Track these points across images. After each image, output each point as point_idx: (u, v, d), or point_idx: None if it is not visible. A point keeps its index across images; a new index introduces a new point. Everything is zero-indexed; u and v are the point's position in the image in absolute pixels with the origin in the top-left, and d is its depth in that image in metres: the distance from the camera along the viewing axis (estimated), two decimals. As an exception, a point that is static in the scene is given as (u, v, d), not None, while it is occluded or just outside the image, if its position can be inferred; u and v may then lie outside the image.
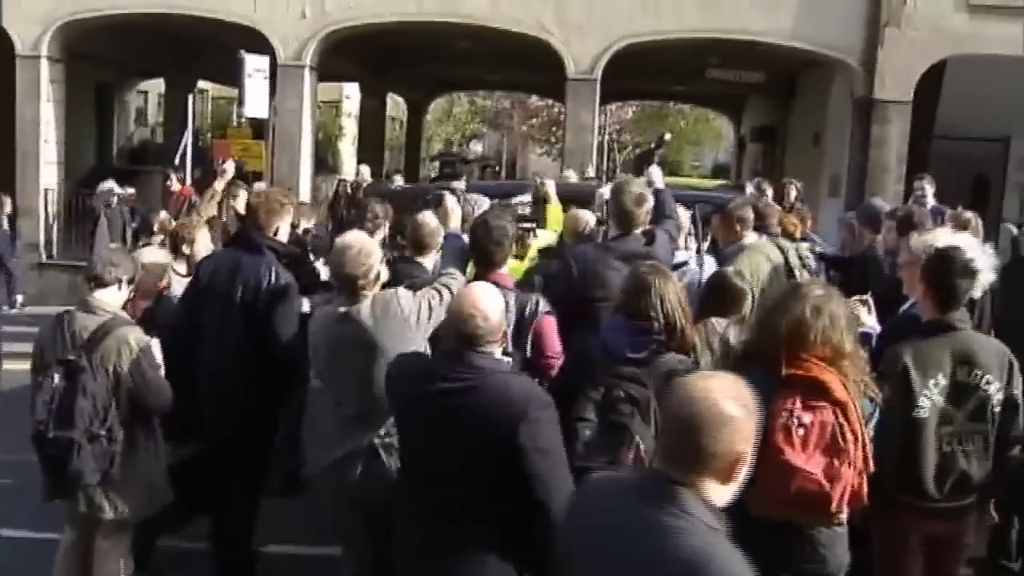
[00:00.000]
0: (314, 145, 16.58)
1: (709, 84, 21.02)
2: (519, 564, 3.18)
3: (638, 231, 5.04)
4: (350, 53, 18.05)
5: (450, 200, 4.59)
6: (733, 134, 32.40)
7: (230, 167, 7.43)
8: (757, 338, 3.58)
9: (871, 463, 3.43)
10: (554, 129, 35.91)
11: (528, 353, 4.31)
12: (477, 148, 49.37)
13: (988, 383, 3.89)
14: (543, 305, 4.43)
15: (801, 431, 3.33)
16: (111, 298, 4.54)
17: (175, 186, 11.87)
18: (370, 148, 24.77)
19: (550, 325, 4.41)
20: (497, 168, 39.40)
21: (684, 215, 6.14)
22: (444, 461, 3.23)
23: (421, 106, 30.17)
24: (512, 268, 5.04)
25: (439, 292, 4.15)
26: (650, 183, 5.64)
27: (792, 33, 14.78)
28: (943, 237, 4.50)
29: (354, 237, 4.24)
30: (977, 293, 4.10)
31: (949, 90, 15.79)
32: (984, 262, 4.03)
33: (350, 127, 31.46)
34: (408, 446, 3.49)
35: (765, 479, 3.36)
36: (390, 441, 3.93)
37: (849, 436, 3.35)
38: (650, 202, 5.09)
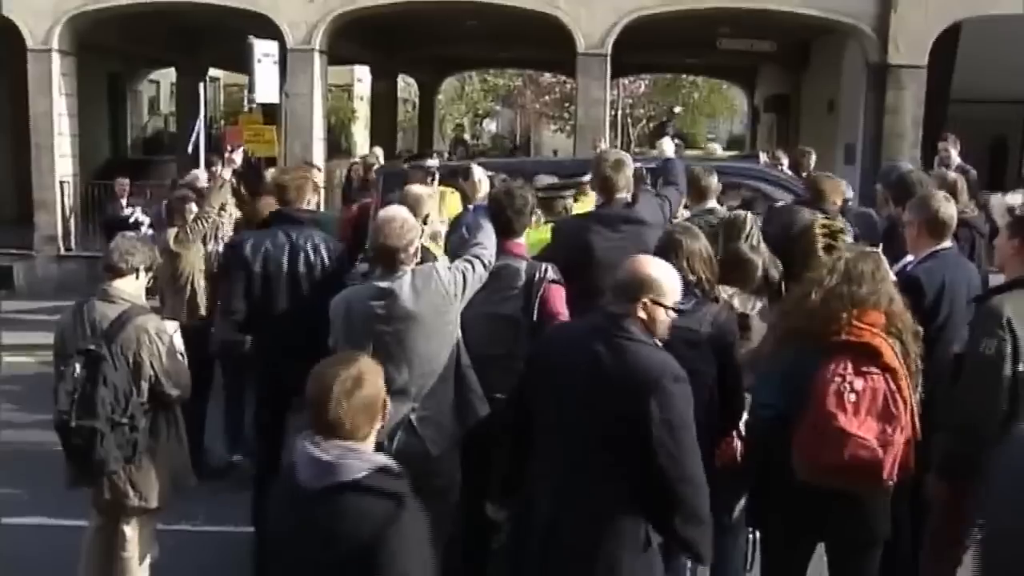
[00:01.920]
0: (326, 129, 16.57)
1: (721, 55, 20.88)
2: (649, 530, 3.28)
3: (620, 195, 5.21)
4: (359, 36, 18.02)
5: (477, 171, 4.61)
6: (747, 105, 32.20)
7: (238, 156, 7.41)
8: (812, 306, 3.56)
9: (918, 431, 3.43)
10: (567, 105, 35.78)
11: (535, 319, 4.43)
12: (491, 127, 49.29)
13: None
14: (551, 273, 4.57)
15: (853, 396, 3.33)
16: (130, 287, 4.60)
17: (226, 172, 11.91)
18: (383, 130, 24.77)
19: (556, 293, 4.54)
20: (512, 146, 39.26)
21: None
22: (583, 426, 3.29)
23: (432, 87, 30.11)
24: (533, 241, 5.21)
25: (471, 264, 4.19)
26: (661, 152, 6.06)
27: (804, 0, 14.64)
28: (1019, 197, 4.49)
29: (396, 210, 4.30)
30: None
31: (964, 53, 15.61)
32: None
33: (363, 110, 31.44)
34: (546, 413, 3.46)
35: (816, 446, 3.38)
36: (425, 415, 3.99)
37: (900, 402, 3.36)
38: (629, 168, 5.26)
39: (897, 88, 14.65)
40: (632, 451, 3.20)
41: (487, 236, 4.39)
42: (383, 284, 4.01)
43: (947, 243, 4.64)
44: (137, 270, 4.60)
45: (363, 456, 2.66)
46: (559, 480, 3.34)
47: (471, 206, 5.14)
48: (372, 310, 3.99)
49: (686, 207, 6.14)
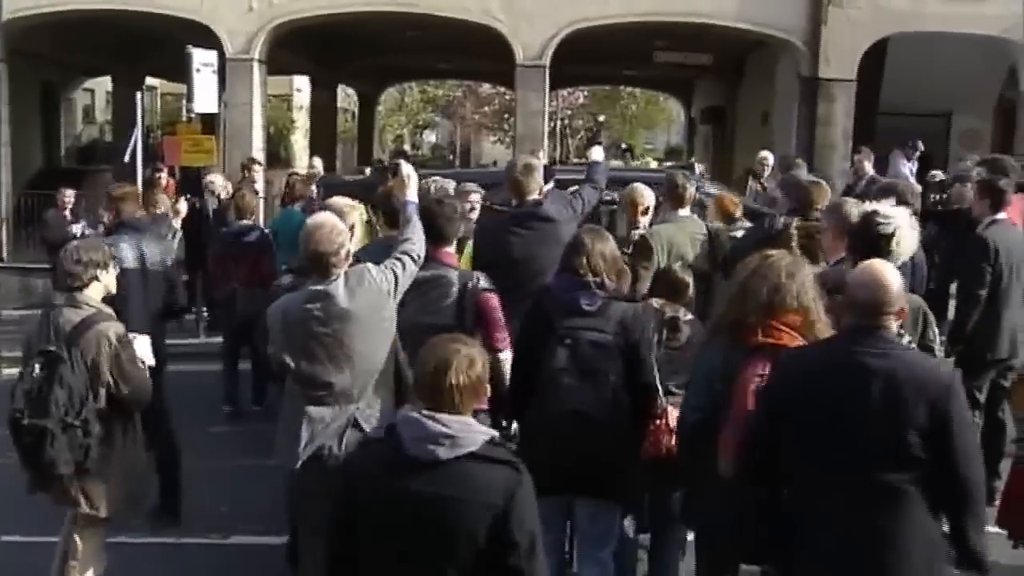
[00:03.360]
0: (265, 139, 16.50)
1: (658, 67, 21.20)
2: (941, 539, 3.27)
3: (531, 197, 5.58)
4: (298, 45, 17.97)
5: (406, 167, 4.68)
6: (684, 116, 32.68)
7: (182, 208, 7.60)
8: (736, 306, 3.68)
9: None
10: (506, 116, 35.92)
11: (466, 324, 4.49)
12: (431, 138, 49.22)
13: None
14: (483, 283, 4.70)
15: None
16: (94, 292, 4.63)
17: (164, 182, 11.82)
18: (322, 141, 24.66)
19: (489, 303, 4.67)
20: (450, 157, 39.27)
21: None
22: (876, 451, 3.18)
23: (372, 97, 30.09)
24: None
25: (401, 260, 4.27)
26: (589, 157, 6.45)
27: (738, 15, 14.98)
28: (874, 206, 4.73)
29: (324, 217, 4.36)
30: (905, 255, 4.29)
31: (892, 67, 16.10)
32: (906, 222, 4.27)
33: (301, 120, 31.27)
34: (817, 453, 3.30)
35: (737, 444, 3.49)
36: (369, 412, 4.07)
37: None
38: (538, 172, 5.67)
39: (828, 101, 15.05)
40: (925, 465, 3.15)
41: (415, 231, 4.45)
42: (317, 287, 4.08)
43: None
44: (95, 277, 4.62)
45: (477, 428, 2.88)
46: (849, 519, 3.23)
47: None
48: (309, 313, 4.05)
49: (660, 215, 6.33)
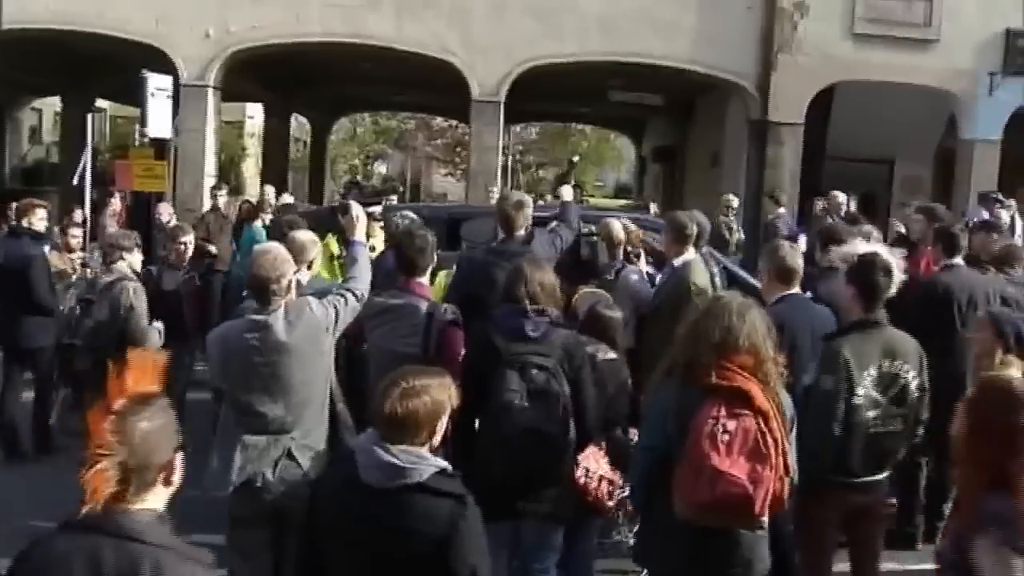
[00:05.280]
0: (217, 166, 16.39)
1: (611, 106, 21.48)
2: None
3: (520, 232, 5.75)
4: (254, 73, 17.93)
5: (356, 208, 4.74)
6: (635, 155, 33.06)
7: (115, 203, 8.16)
8: (688, 347, 3.72)
9: (792, 468, 3.61)
10: (458, 150, 36.11)
11: (430, 353, 4.68)
12: (381, 169, 49.21)
13: (908, 372, 4.38)
14: (450, 315, 4.89)
15: (726, 437, 3.47)
16: (122, 266, 6.75)
17: (116, 205, 11.70)
18: (274, 169, 24.52)
19: (455, 336, 4.83)
20: (400, 189, 39.36)
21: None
22: None
23: (325, 126, 30.02)
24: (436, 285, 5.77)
25: (343, 297, 4.32)
26: (558, 196, 6.62)
27: (690, 57, 15.28)
28: (861, 246, 4.95)
29: (271, 245, 4.40)
30: (892, 291, 4.48)
31: (838, 114, 16.51)
32: (897, 265, 4.50)
33: (253, 147, 31.10)
34: None
35: (691, 484, 3.52)
36: (303, 443, 4.11)
37: (771, 442, 3.53)
38: (528, 208, 5.84)
39: (776, 144, 15.38)
40: None
41: (361, 271, 4.52)
42: (257, 317, 4.10)
43: (795, 288, 5.13)
44: (123, 256, 6.78)
45: (427, 460, 2.90)
46: None
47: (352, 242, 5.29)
48: (247, 342, 4.07)
49: (659, 259, 6.44)
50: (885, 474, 4.48)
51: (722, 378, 3.56)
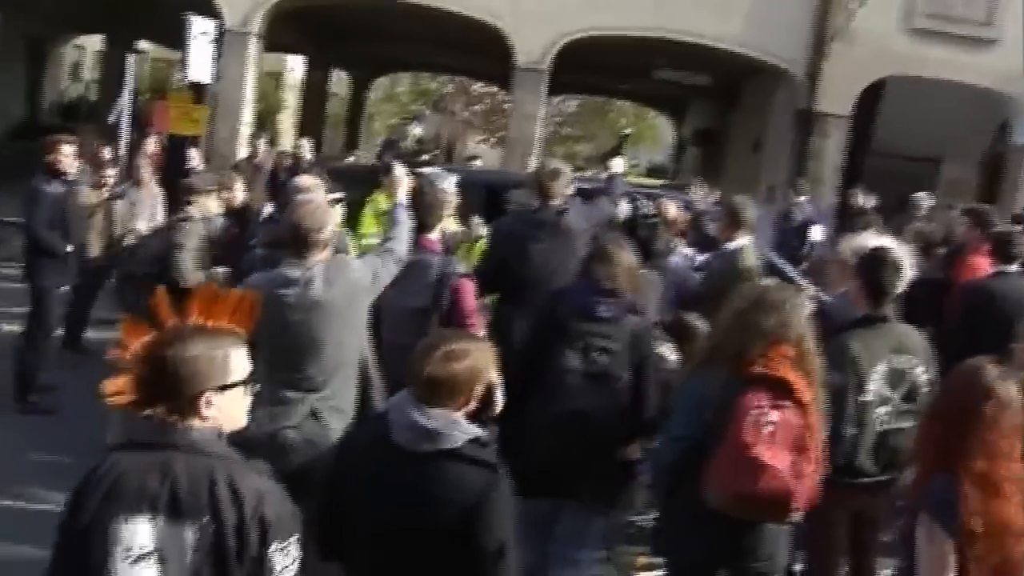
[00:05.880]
0: (255, 115, 16.29)
1: (653, 84, 21.19)
2: None
3: (555, 202, 5.61)
4: (297, 24, 17.80)
5: (399, 169, 4.65)
6: (672, 136, 32.70)
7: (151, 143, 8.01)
8: (735, 335, 3.62)
9: (823, 465, 3.51)
10: (494, 117, 35.85)
11: (442, 308, 4.67)
12: (416, 130, 49.03)
13: (917, 367, 4.27)
14: (460, 267, 4.87)
15: (769, 428, 3.39)
16: (194, 209, 6.54)
17: (152, 146, 11.62)
18: (311, 122, 24.46)
19: (467, 287, 4.79)
20: (435, 152, 39.19)
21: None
22: None
23: (365, 83, 29.89)
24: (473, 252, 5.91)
25: (384, 259, 4.22)
26: (608, 168, 6.53)
27: (741, 40, 14.98)
28: (871, 239, 4.78)
29: (313, 196, 4.27)
30: (901, 287, 4.35)
31: (887, 109, 16.17)
32: (907, 259, 4.38)
33: (291, 100, 31.01)
34: None
35: (730, 474, 3.41)
36: (330, 404, 3.99)
37: (811, 436, 3.43)
38: (565, 178, 5.70)
39: (821, 135, 15.09)
40: None
41: (401, 232, 4.42)
42: (294, 272, 3.96)
43: None
44: (206, 193, 6.73)
45: (462, 426, 2.82)
46: None
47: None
48: (283, 298, 3.94)
49: (713, 242, 6.25)
50: (895, 474, 4.32)
51: (767, 367, 3.45)
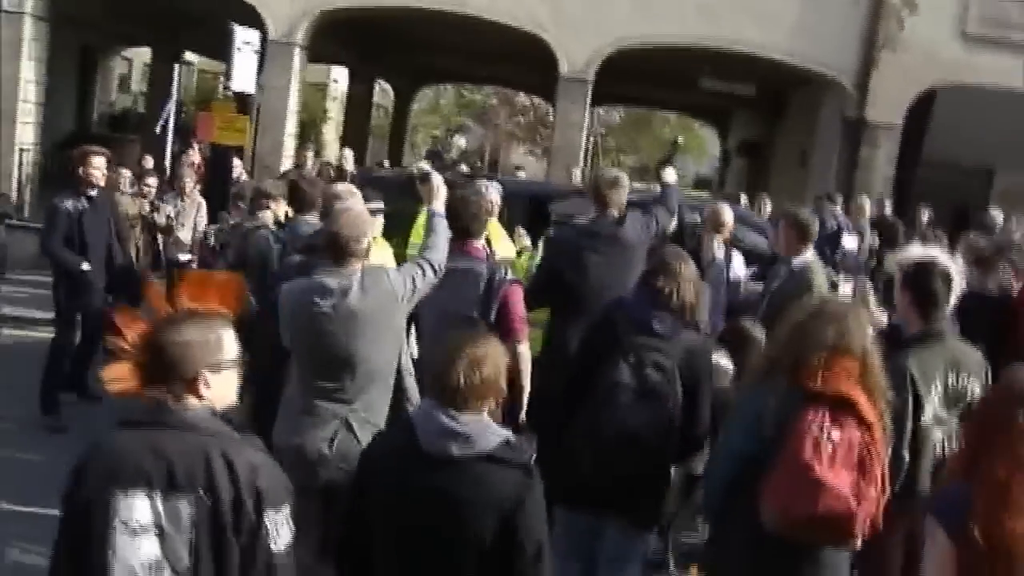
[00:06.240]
0: (298, 126, 16.36)
1: (698, 95, 20.99)
2: None
3: (613, 211, 5.53)
4: (341, 35, 17.85)
5: (436, 177, 4.55)
6: (718, 147, 32.43)
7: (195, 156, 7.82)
8: (795, 347, 3.47)
9: (887, 488, 3.34)
10: (540, 129, 35.79)
11: (493, 319, 4.62)
12: (461, 142, 49.14)
13: (975, 386, 4.04)
14: (511, 274, 4.83)
15: (830, 447, 3.22)
16: (266, 216, 6.31)
17: (195, 156, 11.68)
18: (354, 133, 24.55)
19: (516, 293, 4.75)
20: (479, 165, 39.24)
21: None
22: None
23: (408, 95, 29.96)
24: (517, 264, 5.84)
25: (422, 268, 4.12)
26: (663, 178, 6.36)
27: (788, 49, 14.78)
28: (917, 250, 4.53)
29: (354, 204, 4.20)
30: (953, 300, 4.14)
31: (938, 119, 15.83)
32: (956, 270, 4.16)
33: (335, 111, 31.17)
34: None
35: (788, 494, 3.25)
36: (363, 416, 3.90)
37: (875, 456, 3.27)
38: (623, 187, 5.61)
39: (871, 146, 14.82)
40: None
41: (438, 241, 4.34)
42: (331, 281, 3.88)
43: None
44: (278, 199, 6.39)
45: (493, 428, 2.82)
46: None
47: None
48: (318, 307, 3.86)
49: (776, 256, 6.12)
50: None
51: (828, 382, 3.29)
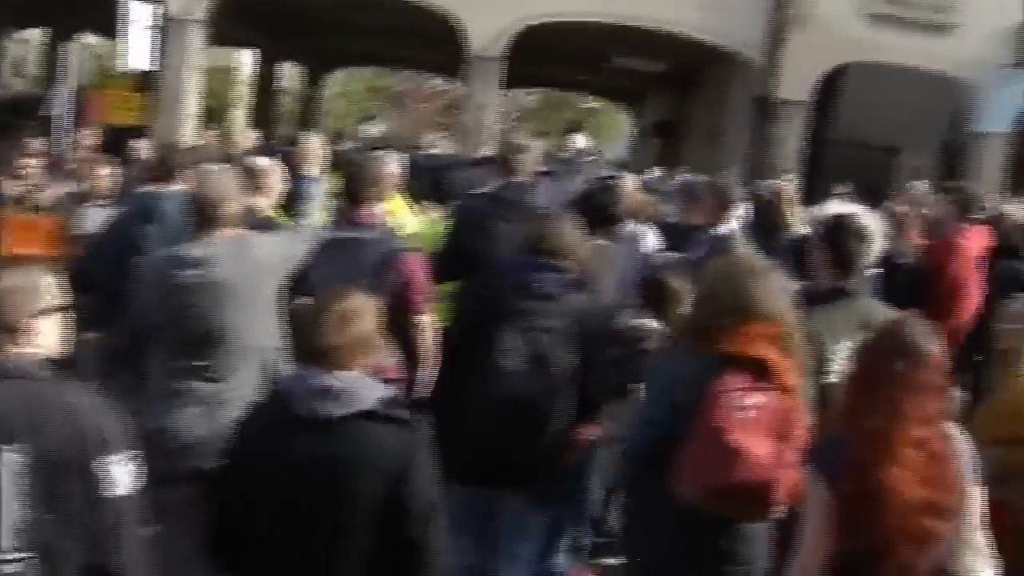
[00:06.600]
0: (202, 107, 15.79)
1: (611, 75, 20.96)
2: None
3: (521, 179, 5.32)
4: (246, 17, 17.33)
5: (311, 139, 4.30)
6: (632, 128, 32.53)
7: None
8: (703, 310, 3.32)
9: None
10: (454, 112, 35.46)
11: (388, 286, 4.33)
12: (375, 129, 48.47)
13: None
14: (406, 243, 4.72)
15: (749, 413, 3.06)
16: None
17: (89, 139, 11.10)
18: (263, 118, 23.91)
19: (413, 263, 4.55)
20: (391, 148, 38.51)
21: None
22: None
23: (319, 79, 29.36)
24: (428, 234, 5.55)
25: (293, 235, 3.89)
26: (573, 144, 6.39)
27: (699, 26, 14.76)
28: (837, 206, 4.43)
29: (219, 169, 3.92)
30: (870, 259, 4.02)
31: (847, 98, 16.02)
32: (875, 228, 4.02)
33: (244, 96, 30.41)
34: None
35: (705, 464, 3.07)
36: (232, 394, 3.61)
37: (795, 421, 3.12)
38: (532, 153, 5.43)
39: (781, 122, 14.88)
40: None
41: (310, 207, 4.13)
42: (194, 252, 3.62)
43: None
44: None
45: (370, 384, 2.69)
46: None
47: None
48: (180, 279, 3.60)
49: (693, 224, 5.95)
50: None
51: (744, 346, 3.12)
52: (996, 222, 6.99)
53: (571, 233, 4.15)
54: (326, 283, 4.23)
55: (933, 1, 14.82)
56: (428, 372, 4.46)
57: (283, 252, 3.77)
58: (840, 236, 3.95)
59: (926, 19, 14.75)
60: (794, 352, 3.26)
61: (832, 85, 15.49)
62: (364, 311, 2.73)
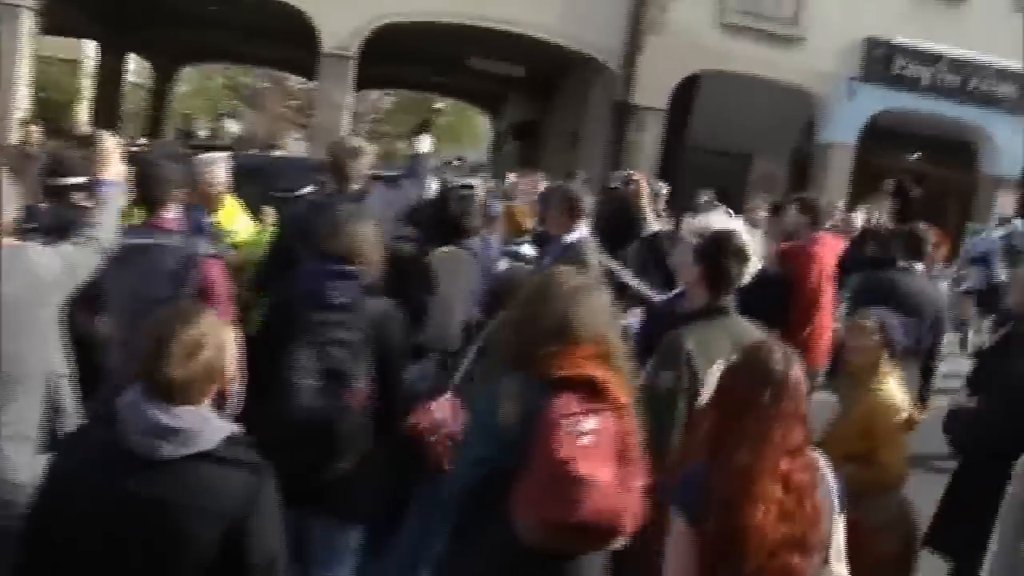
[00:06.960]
0: (36, 101, 14.80)
1: (470, 77, 20.77)
2: None
3: (353, 186, 5.03)
4: (87, 5, 16.38)
5: (109, 139, 3.79)
6: (492, 132, 32.47)
7: None
8: (519, 336, 3.02)
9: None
10: (311, 113, 34.69)
11: (189, 295, 4.05)
12: (233, 128, 47.09)
13: None
14: (206, 249, 4.28)
15: (586, 439, 2.78)
16: None
17: None
18: (107, 113, 22.67)
19: (215, 268, 4.22)
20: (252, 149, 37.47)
21: None
22: None
23: (169, 74, 28.13)
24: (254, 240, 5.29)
25: (80, 246, 3.36)
26: (416, 147, 5.86)
27: (557, 30, 14.73)
28: (717, 221, 4.25)
29: None
30: (746, 279, 3.85)
31: (702, 105, 16.25)
32: (753, 247, 3.89)
33: (89, 89, 28.90)
34: None
35: (546, 499, 2.77)
36: (14, 430, 3.09)
37: (634, 443, 2.87)
38: (366, 157, 5.10)
39: (638, 128, 15.00)
40: None
41: (107, 216, 3.60)
42: None
43: None
44: None
45: (214, 423, 2.46)
46: None
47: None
48: None
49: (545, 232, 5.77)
50: None
51: (570, 367, 2.85)
52: (846, 231, 7.05)
53: (366, 236, 3.90)
54: (122, 296, 3.89)
55: (784, 14, 15.17)
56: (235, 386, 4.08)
57: (68, 264, 3.28)
58: (719, 255, 3.78)
59: (777, 31, 15.10)
60: (621, 370, 3.02)
61: (688, 92, 15.68)
62: (211, 336, 2.47)
